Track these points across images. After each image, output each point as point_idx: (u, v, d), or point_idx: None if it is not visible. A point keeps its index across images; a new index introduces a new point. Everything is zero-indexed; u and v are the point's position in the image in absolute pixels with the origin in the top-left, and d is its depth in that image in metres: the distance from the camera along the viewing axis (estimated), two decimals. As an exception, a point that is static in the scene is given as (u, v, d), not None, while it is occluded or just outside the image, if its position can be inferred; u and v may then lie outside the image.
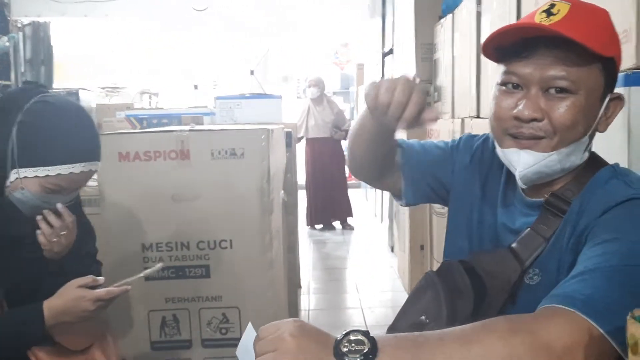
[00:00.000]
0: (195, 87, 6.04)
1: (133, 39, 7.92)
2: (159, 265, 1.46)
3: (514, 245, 0.95)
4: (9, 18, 5.50)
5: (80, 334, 1.43)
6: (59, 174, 1.25)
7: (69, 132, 1.28)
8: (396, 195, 1.19)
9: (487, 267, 0.95)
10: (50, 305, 1.28)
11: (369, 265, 4.70)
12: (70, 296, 1.29)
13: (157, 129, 2.25)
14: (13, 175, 1.25)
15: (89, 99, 4.33)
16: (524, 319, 0.70)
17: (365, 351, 0.65)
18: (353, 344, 0.66)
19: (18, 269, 1.34)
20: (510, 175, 1.01)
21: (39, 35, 5.82)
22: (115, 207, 1.84)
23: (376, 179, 1.18)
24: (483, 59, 2.37)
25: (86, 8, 6.52)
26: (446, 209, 1.16)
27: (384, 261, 4.72)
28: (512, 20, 1.93)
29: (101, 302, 1.31)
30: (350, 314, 3.65)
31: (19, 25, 5.63)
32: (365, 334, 0.67)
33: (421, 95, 0.87)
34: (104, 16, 6.81)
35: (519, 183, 0.93)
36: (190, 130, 1.90)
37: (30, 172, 1.24)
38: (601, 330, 0.68)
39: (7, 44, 5.23)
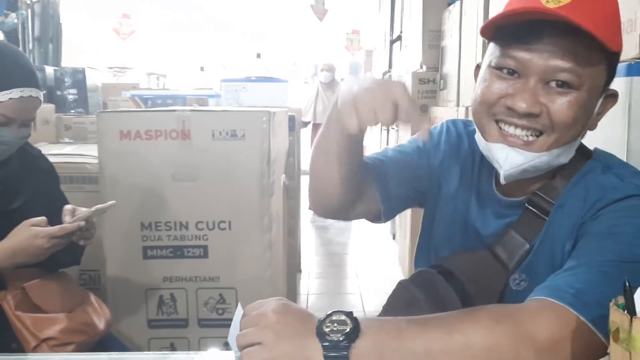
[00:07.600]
0: (202, 69, 6.02)
1: (142, 19, 7.89)
2: (112, 202, 1.46)
3: (494, 247, 0.88)
4: (18, -5, 5.48)
5: (60, 295, 1.43)
6: None
7: (1, 61, 1.30)
8: (374, 218, 1.04)
9: (468, 272, 0.89)
10: (2, 247, 1.28)
11: (370, 251, 4.70)
12: (23, 235, 1.28)
13: (159, 109, 2.25)
14: None
15: (96, 78, 4.33)
16: (510, 309, 0.69)
17: (347, 331, 0.64)
18: (336, 324, 0.65)
19: None
20: (483, 168, 0.95)
21: (48, 13, 5.80)
22: (115, 185, 1.84)
23: (350, 205, 1.00)
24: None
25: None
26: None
27: (385, 248, 4.72)
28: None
29: (55, 239, 1.30)
30: (349, 299, 3.65)
31: (28, 2, 5.61)
32: (349, 314, 0.66)
33: (411, 101, 0.73)
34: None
35: (502, 181, 0.84)
36: (191, 110, 1.89)
37: None
38: (590, 326, 0.66)
39: (16, 21, 5.22)
